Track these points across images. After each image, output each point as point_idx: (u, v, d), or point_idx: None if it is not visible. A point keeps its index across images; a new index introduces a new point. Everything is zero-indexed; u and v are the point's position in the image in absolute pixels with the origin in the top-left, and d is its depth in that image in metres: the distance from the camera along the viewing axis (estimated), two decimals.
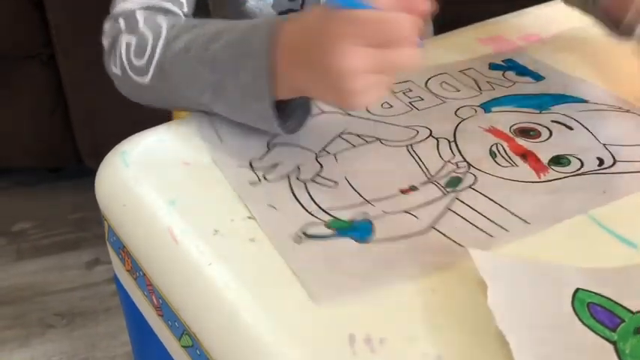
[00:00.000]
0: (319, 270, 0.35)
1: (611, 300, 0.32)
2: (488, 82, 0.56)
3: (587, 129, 0.48)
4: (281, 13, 0.60)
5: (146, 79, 0.48)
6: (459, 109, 0.52)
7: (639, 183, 0.42)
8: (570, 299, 0.33)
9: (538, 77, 0.57)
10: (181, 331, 0.38)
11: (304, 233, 0.38)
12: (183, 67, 0.47)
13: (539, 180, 0.42)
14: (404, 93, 0.54)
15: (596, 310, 0.32)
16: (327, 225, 0.39)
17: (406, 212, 0.40)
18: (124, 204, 0.44)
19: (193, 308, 0.37)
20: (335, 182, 0.43)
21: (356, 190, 0.42)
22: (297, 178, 0.43)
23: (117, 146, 0.48)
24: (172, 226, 0.40)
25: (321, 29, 0.39)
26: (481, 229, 0.38)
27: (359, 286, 0.34)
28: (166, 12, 0.51)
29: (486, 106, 0.52)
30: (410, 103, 0.53)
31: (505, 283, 0.33)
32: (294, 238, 0.38)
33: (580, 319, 0.31)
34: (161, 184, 0.44)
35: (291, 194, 0.41)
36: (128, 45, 0.49)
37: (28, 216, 1.39)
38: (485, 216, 0.39)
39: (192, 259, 0.38)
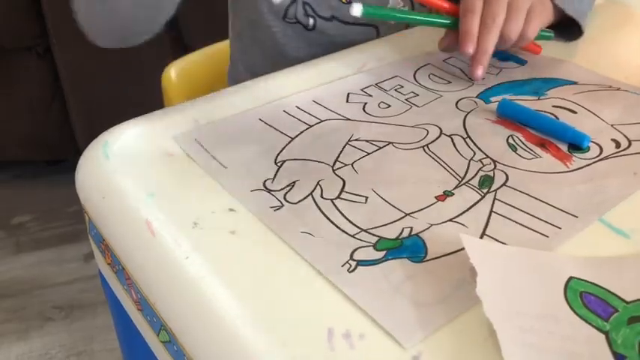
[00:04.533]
0: (388, 301, 0.32)
1: (605, 289, 0.32)
2: None
3: (591, 111, 0.48)
4: None
5: None
6: (458, 101, 0.50)
7: None
8: (563, 288, 0.32)
9: (520, 61, 0.56)
10: (159, 326, 0.36)
11: (354, 259, 0.34)
12: None
13: (568, 169, 0.41)
14: (396, 90, 0.51)
15: (589, 300, 0.31)
16: (376, 247, 0.35)
17: (451, 221, 0.37)
18: (103, 196, 0.42)
19: (170, 303, 0.35)
20: (364, 197, 0.39)
21: (391, 204, 0.38)
22: (322, 197, 0.39)
23: (99, 137, 0.45)
24: (150, 219, 0.38)
25: None
26: (533, 230, 0.36)
27: (439, 314, 0.31)
28: None
29: (485, 97, 0.50)
30: (406, 100, 0.50)
31: (496, 270, 0.32)
32: (345, 266, 0.34)
33: (572, 309, 0.31)
34: (142, 176, 0.42)
35: (323, 216, 0.37)
36: None
37: (26, 209, 1.39)
38: (531, 214, 0.37)
39: (169, 252, 0.36)
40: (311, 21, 0.58)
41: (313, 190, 0.40)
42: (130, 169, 0.42)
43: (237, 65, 0.66)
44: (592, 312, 0.30)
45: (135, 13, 0.46)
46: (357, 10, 0.47)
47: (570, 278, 0.32)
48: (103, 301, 1.19)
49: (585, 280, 0.32)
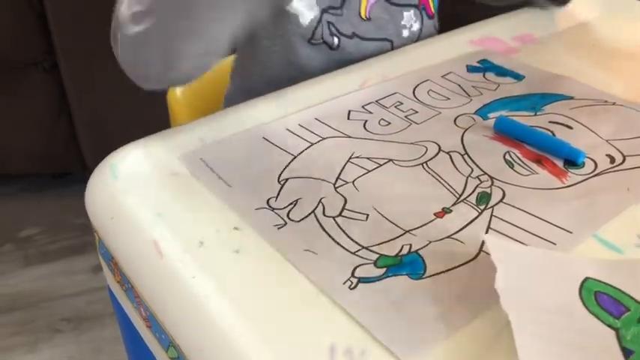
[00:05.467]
0: (388, 317, 0.33)
1: (619, 290, 0.33)
2: (473, 86, 0.55)
3: (586, 126, 0.49)
4: (323, 11, 0.59)
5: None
6: (457, 118, 0.51)
7: None
8: (578, 287, 0.33)
9: (518, 76, 0.57)
10: (168, 342, 0.38)
11: (355, 277, 0.36)
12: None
13: (564, 185, 0.42)
14: (396, 107, 0.53)
15: (602, 299, 0.33)
16: (376, 264, 0.36)
17: (450, 238, 0.38)
18: (112, 216, 0.43)
19: (177, 321, 0.36)
20: (365, 214, 0.40)
21: (391, 221, 0.40)
22: (324, 215, 0.40)
23: (106, 158, 0.47)
24: (157, 239, 0.39)
25: None
26: (528, 245, 0.38)
27: (438, 330, 0.32)
28: None
29: (482, 113, 0.51)
30: (406, 117, 0.51)
31: (515, 268, 0.34)
32: (347, 284, 0.35)
33: (586, 306, 0.32)
34: (149, 196, 0.43)
35: (326, 234, 0.39)
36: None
37: (34, 222, 1.40)
38: (527, 231, 0.39)
39: (176, 271, 0.37)
40: (335, 40, 0.59)
41: (315, 208, 0.41)
42: (137, 190, 0.44)
43: (241, 86, 0.67)
44: (605, 310, 0.32)
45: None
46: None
47: (586, 279, 0.33)
48: (111, 313, 1.19)
49: (600, 281, 0.33)
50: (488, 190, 0.42)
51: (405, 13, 0.62)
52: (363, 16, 0.61)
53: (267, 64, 0.61)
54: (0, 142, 1.41)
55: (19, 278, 1.27)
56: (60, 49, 1.25)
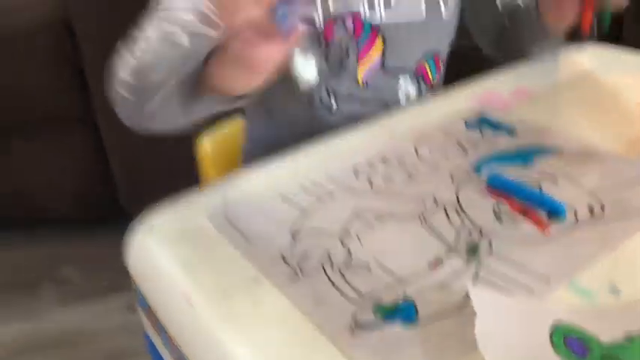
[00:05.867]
0: None
1: (586, 332, 0.38)
2: (470, 141, 0.61)
3: (571, 178, 0.54)
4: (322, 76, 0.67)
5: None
6: (453, 173, 0.56)
7: (631, 226, 0.48)
8: (549, 332, 0.38)
9: (511, 131, 0.63)
10: None
11: (355, 324, 0.41)
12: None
13: (547, 236, 0.47)
14: (399, 163, 0.59)
15: (570, 342, 0.37)
16: (374, 311, 0.42)
17: (441, 287, 0.44)
18: (148, 269, 0.50)
19: None
20: (366, 263, 0.46)
21: (389, 271, 0.45)
22: (332, 267, 0.46)
23: (143, 215, 0.54)
24: (188, 291, 0.45)
25: None
26: (512, 293, 0.43)
27: None
28: None
29: (477, 168, 0.57)
30: (407, 172, 0.57)
31: (493, 315, 0.38)
32: (347, 330, 0.41)
33: (556, 351, 0.36)
34: (180, 251, 0.50)
35: (332, 286, 0.44)
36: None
37: (72, 262, 1.49)
38: (511, 278, 0.44)
39: (204, 321, 0.43)
40: (333, 104, 0.66)
41: (323, 259, 0.47)
42: (170, 245, 0.50)
43: (256, 143, 0.74)
44: (572, 352, 0.36)
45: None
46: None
47: (557, 324, 0.38)
48: (147, 351, 1.27)
49: (570, 325, 0.38)
50: (477, 242, 0.48)
51: (402, 80, 0.69)
52: (360, 81, 0.67)
53: (275, 124, 0.68)
54: (42, 188, 1.52)
55: (56, 317, 1.34)
56: (97, 103, 1.36)
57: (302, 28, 0.46)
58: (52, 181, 1.50)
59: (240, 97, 0.55)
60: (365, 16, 0.66)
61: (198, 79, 0.54)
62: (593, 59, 0.78)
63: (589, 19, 0.61)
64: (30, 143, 1.45)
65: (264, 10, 0.44)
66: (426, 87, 0.72)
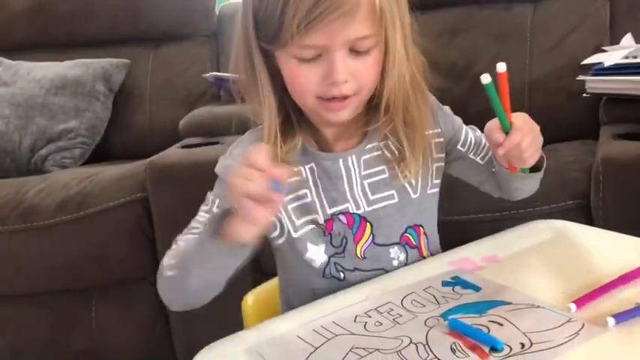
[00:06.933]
0: None
1: None
2: (443, 296, 0.81)
3: (512, 323, 0.72)
4: (330, 256, 0.90)
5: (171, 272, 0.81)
6: (427, 320, 0.76)
7: (549, 356, 0.65)
8: None
9: (477, 288, 0.82)
10: None
11: None
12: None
13: None
14: (388, 312, 0.79)
15: None
16: None
17: None
18: None
19: None
20: None
21: None
22: None
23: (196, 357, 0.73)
24: None
25: None
26: None
27: None
28: None
29: (444, 315, 0.76)
30: (393, 319, 0.77)
31: None
32: None
33: None
34: None
35: None
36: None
37: None
38: None
39: None
40: (342, 275, 0.89)
41: None
42: None
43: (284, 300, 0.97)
44: None
45: (205, 291, 0.81)
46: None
47: None
48: None
49: None
50: None
51: (391, 250, 0.91)
52: (359, 256, 0.90)
53: (296, 290, 0.90)
54: (107, 342, 1.73)
55: None
56: None
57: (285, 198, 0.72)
58: (116, 333, 1.72)
59: (243, 245, 0.76)
60: (353, 211, 0.90)
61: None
62: (555, 231, 0.99)
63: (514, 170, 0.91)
64: (105, 302, 1.71)
65: (264, 184, 0.69)
66: (412, 249, 0.93)
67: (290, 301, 0.95)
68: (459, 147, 0.99)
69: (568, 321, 0.72)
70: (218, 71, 2.15)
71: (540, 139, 0.85)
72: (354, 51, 0.79)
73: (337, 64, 0.78)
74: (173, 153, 1.66)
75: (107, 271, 1.68)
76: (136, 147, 2.16)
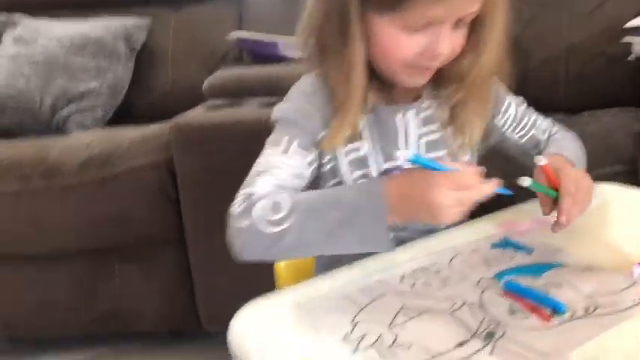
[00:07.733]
0: None
1: None
2: (494, 258, 0.77)
3: (573, 286, 0.68)
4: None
5: (280, 227, 0.71)
6: (479, 281, 0.72)
7: (612, 322, 0.61)
8: None
9: (529, 250, 0.78)
10: None
11: None
12: (308, 223, 0.71)
13: (549, 327, 0.61)
14: (435, 272, 0.75)
15: None
16: None
17: None
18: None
19: None
20: (409, 345, 0.61)
21: (425, 349, 0.60)
22: (381, 345, 0.61)
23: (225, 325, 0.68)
24: None
25: (422, 183, 0.69)
26: None
27: None
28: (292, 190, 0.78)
29: (498, 277, 0.72)
30: (442, 280, 0.73)
31: None
32: None
33: None
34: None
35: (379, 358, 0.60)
36: (264, 207, 0.72)
37: None
38: (519, 354, 0.57)
39: None
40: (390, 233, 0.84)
41: (376, 341, 0.62)
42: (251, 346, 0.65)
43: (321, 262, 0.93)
44: None
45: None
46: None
47: None
48: None
49: None
50: (493, 330, 0.62)
51: None
52: None
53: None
54: (130, 304, 1.72)
55: None
56: (188, 230, 1.59)
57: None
58: (139, 297, 1.71)
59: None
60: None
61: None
62: (604, 195, 0.94)
63: None
64: (127, 264, 1.69)
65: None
66: None
67: (327, 262, 0.91)
68: (495, 121, 0.94)
69: (633, 284, 0.67)
70: (242, 32, 2.10)
71: (591, 195, 0.83)
72: (455, 24, 0.77)
73: (445, 40, 0.76)
74: (198, 114, 1.61)
75: (130, 233, 1.65)
76: (159, 108, 2.11)
